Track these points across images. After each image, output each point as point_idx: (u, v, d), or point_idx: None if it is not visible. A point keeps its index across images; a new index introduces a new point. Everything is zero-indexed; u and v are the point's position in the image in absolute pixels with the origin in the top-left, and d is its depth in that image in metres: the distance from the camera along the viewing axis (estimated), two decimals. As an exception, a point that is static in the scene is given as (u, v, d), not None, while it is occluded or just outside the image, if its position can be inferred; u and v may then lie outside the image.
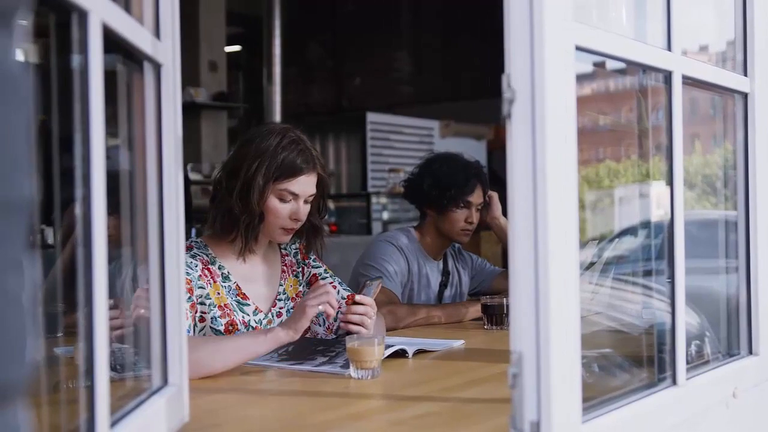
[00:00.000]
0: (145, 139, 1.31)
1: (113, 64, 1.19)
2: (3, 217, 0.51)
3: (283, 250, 2.32)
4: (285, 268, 2.30)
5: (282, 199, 2.12)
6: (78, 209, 0.97)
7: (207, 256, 2.15)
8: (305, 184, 2.13)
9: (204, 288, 2.08)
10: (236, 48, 9.19)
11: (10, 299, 0.51)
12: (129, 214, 1.32)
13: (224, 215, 2.13)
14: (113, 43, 1.08)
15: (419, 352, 2.12)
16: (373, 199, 7.44)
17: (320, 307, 1.89)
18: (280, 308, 2.24)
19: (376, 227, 7.27)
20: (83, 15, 0.96)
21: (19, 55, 0.54)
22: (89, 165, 0.97)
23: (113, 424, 1.05)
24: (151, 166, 1.31)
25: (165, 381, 1.33)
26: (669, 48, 1.46)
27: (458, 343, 2.29)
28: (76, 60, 0.98)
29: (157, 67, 1.31)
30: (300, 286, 2.31)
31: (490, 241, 6.07)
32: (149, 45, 1.25)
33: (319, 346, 2.09)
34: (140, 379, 1.35)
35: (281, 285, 2.26)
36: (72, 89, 0.98)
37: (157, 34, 1.31)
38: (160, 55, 1.30)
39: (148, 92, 1.31)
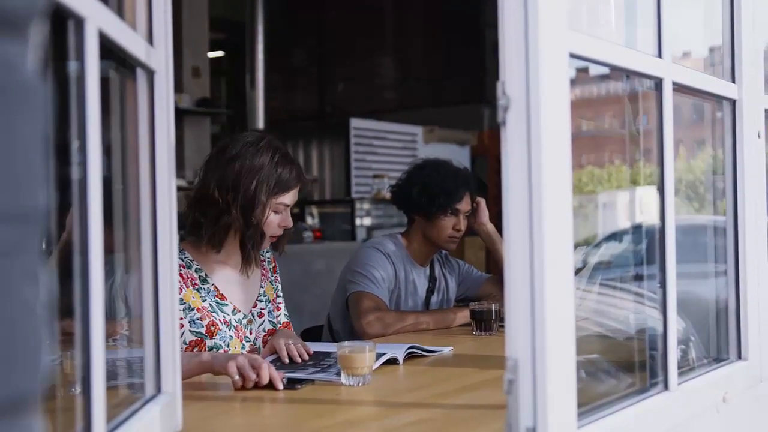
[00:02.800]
0: (138, 146, 1.30)
1: (106, 70, 1.18)
2: (19, 227, 0.50)
3: (260, 255, 2.37)
4: (264, 272, 2.37)
5: (276, 212, 2.20)
6: (74, 216, 0.97)
7: (182, 260, 2.17)
8: (295, 195, 2.25)
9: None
10: (219, 54, 9.17)
11: (26, 310, 0.51)
12: (121, 221, 1.31)
13: (222, 230, 2.15)
14: (107, 49, 1.07)
15: (411, 356, 2.12)
16: (357, 205, 7.41)
17: (236, 377, 1.76)
18: (261, 309, 2.31)
19: (361, 233, 7.25)
20: (80, 22, 0.96)
21: (34, 65, 0.54)
22: (86, 172, 0.96)
23: (109, 433, 1.04)
24: (144, 173, 1.30)
25: (158, 389, 1.32)
26: (659, 55, 1.47)
27: (447, 350, 2.29)
28: (71, 66, 0.98)
29: (150, 73, 1.30)
30: (274, 292, 2.39)
31: (474, 247, 6.07)
32: (143, 52, 1.24)
33: (310, 359, 2.08)
34: (132, 387, 1.34)
35: (262, 287, 2.34)
36: (67, 95, 0.98)
37: (150, 40, 1.30)
38: (153, 61, 1.30)
39: (141, 99, 1.30)
